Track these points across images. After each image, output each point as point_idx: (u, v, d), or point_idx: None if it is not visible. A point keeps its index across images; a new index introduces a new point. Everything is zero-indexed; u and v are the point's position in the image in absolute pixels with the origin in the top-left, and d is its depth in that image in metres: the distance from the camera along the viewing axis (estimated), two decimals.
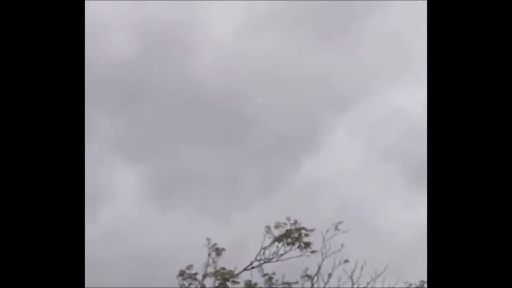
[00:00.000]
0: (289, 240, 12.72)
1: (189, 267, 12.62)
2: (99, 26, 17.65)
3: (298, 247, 12.77)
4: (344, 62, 19.15)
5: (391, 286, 12.65)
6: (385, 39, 19.28)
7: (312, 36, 19.42)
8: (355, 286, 12.58)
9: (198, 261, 12.64)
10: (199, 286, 12.55)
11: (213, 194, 17.61)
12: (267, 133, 18.58)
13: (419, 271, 11.20)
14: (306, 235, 12.74)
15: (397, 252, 14.24)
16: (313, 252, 12.76)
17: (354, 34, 19.31)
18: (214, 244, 12.68)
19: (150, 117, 18.80)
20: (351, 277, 12.57)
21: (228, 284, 12.51)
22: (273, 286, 12.62)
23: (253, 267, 12.70)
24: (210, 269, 12.59)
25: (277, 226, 12.81)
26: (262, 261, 12.75)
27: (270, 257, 12.78)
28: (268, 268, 12.73)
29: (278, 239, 12.71)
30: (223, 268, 12.58)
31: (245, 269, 12.69)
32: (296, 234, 12.71)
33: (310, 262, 12.74)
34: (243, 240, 14.17)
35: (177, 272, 12.60)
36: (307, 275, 12.65)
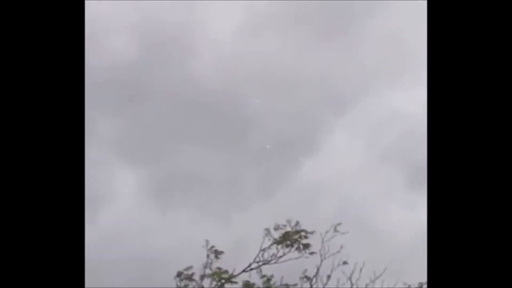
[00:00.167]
0: (288, 242, 12.72)
1: (187, 268, 12.64)
2: (99, 27, 17.65)
3: (297, 248, 12.78)
4: (344, 62, 19.14)
5: (391, 287, 12.66)
6: (385, 40, 19.27)
7: (312, 37, 19.42)
8: (354, 287, 12.59)
9: (198, 263, 12.67)
10: (196, 287, 12.56)
11: (213, 195, 17.61)
12: (267, 133, 18.58)
13: (419, 272, 11.17)
14: (306, 237, 12.75)
15: (396, 253, 14.24)
16: (311, 253, 12.77)
17: (354, 35, 19.31)
18: (213, 246, 12.69)
19: (150, 118, 18.80)
20: (350, 278, 12.57)
21: (226, 285, 12.52)
22: (272, 287, 12.63)
23: (251, 269, 12.71)
24: (208, 271, 12.60)
25: (276, 228, 12.82)
26: (261, 263, 12.75)
27: (269, 259, 12.79)
28: (267, 269, 12.75)
29: (278, 242, 12.71)
30: (219, 268, 12.58)
31: (243, 271, 12.70)
32: (295, 236, 12.72)
33: (309, 263, 12.76)
34: (243, 241, 14.18)
35: (176, 274, 12.61)
36: (306, 276, 12.65)
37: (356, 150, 18.78)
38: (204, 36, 19.23)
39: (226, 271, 12.59)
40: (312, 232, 12.77)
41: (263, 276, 12.67)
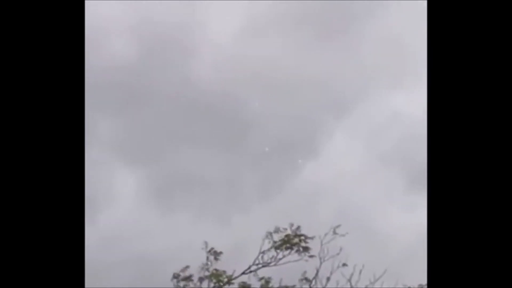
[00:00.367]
0: (288, 245, 12.72)
1: (184, 269, 12.63)
2: (99, 29, 17.65)
3: (297, 251, 12.78)
4: (344, 64, 19.15)
5: None
6: (385, 41, 19.27)
7: (312, 39, 19.42)
8: None
9: (197, 264, 12.66)
10: None
11: (213, 196, 17.61)
12: (267, 135, 18.57)
13: (419, 274, 11.17)
14: (306, 241, 12.75)
15: (396, 255, 14.25)
16: (311, 256, 12.77)
17: (354, 36, 19.31)
18: (212, 248, 12.69)
19: (150, 120, 18.81)
20: (349, 281, 12.57)
21: (224, 287, 12.51)
22: None
23: (251, 271, 12.70)
24: (206, 272, 12.59)
25: (276, 231, 12.82)
26: (260, 265, 12.75)
27: (269, 261, 12.79)
28: (266, 272, 12.75)
29: (278, 246, 12.72)
30: (216, 270, 12.58)
31: (243, 273, 12.70)
32: (295, 240, 12.72)
33: (308, 266, 12.76)
34: (243, 243, 14.17)
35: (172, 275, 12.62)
36: (305, 279, 12.64)
37: (356, 152, 18.79)
38: (204, 38, 19.25)
39: (224, 272, 12.59)
40: (312, 238, 12.78)
41: (261, 279, 12.66)
